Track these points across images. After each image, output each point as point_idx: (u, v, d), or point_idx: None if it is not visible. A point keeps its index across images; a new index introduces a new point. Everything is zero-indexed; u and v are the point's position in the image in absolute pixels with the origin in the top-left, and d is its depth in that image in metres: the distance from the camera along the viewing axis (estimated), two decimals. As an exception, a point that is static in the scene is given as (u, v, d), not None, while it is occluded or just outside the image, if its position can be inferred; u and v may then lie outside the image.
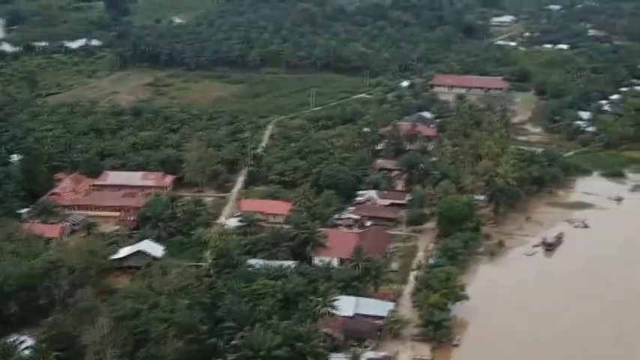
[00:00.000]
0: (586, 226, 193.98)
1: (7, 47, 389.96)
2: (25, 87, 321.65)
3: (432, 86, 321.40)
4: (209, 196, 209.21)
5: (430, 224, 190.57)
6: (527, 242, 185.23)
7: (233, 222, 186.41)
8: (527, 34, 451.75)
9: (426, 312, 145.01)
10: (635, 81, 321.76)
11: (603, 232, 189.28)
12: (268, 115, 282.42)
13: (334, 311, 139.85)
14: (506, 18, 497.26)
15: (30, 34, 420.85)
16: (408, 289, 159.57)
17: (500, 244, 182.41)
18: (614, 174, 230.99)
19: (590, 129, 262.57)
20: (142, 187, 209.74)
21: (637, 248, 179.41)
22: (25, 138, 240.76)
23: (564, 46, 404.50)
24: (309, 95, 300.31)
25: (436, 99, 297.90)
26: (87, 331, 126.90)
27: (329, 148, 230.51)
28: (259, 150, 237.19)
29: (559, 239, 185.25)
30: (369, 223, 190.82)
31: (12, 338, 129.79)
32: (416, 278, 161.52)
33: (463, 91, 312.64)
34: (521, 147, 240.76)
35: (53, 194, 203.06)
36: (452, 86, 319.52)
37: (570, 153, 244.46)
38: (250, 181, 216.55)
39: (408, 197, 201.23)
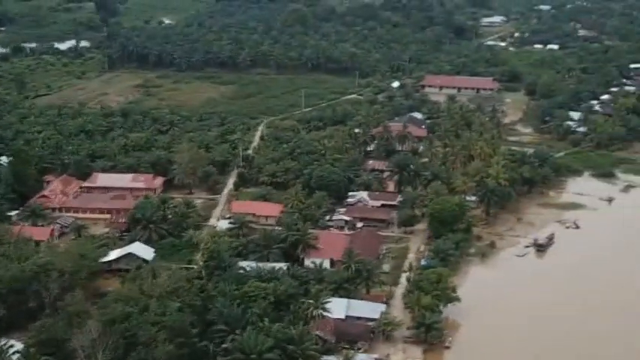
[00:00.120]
0: (577, 227, 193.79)
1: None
2: (13, 88, 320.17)
3: (422, 87, 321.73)
4: (199, 198, 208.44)
5: (421, 225, 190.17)
6: (518, 243, 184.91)
7: (224, 224, 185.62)
8: (517, 34, 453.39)
9: (417, 314, 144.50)
10: (625, 81, 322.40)
11: (594, 232, 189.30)
12: (259, 116, 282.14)
13: (326, 313, 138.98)
14: (497, 18, 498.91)
15: (19, 36, 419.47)
16: (400, 290, 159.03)
17: (492, 245, 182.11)
18: (605, 174, 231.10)
19: (581, 129, 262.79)
20: (132, 189, 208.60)
21: (628, 249, 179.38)
22: (15, 140, 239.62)
23: (554, 47, 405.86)
24: (300, 96, 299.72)
25: (427, 100, 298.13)
26: (76, 335, 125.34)
27: (320, 149, 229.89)
28: (250, 151, 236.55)
29: (550, 240, 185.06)
30: (360, 225, 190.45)
31: (0, 342, 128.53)
32: (407, 280, 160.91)
33: (454, 91, 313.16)
34: (512, 147, 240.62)
35: (42, 196, 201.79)
36: (442, 87, 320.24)
37: (561, 153, 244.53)
38: (241, 183, 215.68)
39: (399, 198, 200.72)
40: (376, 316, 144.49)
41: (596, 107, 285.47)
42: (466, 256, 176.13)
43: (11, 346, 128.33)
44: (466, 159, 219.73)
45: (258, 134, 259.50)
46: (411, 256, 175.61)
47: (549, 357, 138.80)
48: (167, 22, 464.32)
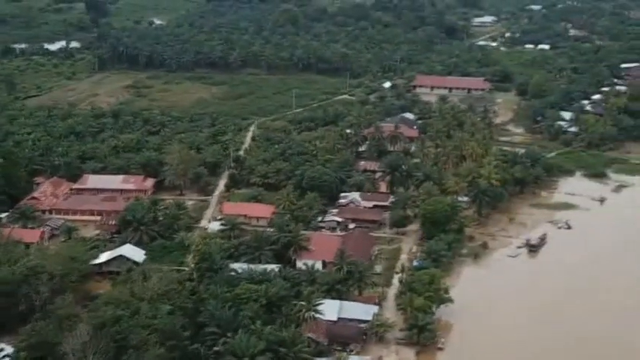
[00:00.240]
0: (569, 227, 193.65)
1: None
2: (3, 89, 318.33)
3: (414, 87, 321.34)
4: (191, 200, 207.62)
5: (414, 226, 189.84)
6: (510, 243, 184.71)
7: (215, 225, 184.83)
8: (508, 34, 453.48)
9: (410, 315, 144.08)
10: (616, 81, 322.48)
11: (586, 232, 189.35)
12: (250, 116, 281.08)
13: (318, 315, 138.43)
14: (487, 18, 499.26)
15: (9, 36, 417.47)
16: (392, 291, 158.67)
17: (484, 245, 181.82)
18: (597, 174, 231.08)
19: (572, 129, 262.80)
20: (123, 191, 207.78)
21: (621, 249, 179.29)
22: (4, 141, 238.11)
23: (545, 47, 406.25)
24: (291, 96, 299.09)
25: (418, 100, 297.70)
26: (67, 339, 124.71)
27: (312, 149, 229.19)
28: (241, 152, 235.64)
29: (542, 240, 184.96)
30: (352, 226, 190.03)
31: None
32: (400, 281, 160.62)
33: (445, 91, 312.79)
34: (504, 148, 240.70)
35: (32, 198, 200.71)
36: (434, 87, 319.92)
37: (553, 153, 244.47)
38: (232, 184, 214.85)
39: (391, 199, 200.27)
40: (369, 317, 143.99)
41: (588, 107, 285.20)
42: (458, 256, 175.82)
43: (1, 349, 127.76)
44: (458, 159, 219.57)
45: (249, 135, 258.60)
46: (404, 257, 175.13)
47: (543, 357, 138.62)
48: (158, 22, 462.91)
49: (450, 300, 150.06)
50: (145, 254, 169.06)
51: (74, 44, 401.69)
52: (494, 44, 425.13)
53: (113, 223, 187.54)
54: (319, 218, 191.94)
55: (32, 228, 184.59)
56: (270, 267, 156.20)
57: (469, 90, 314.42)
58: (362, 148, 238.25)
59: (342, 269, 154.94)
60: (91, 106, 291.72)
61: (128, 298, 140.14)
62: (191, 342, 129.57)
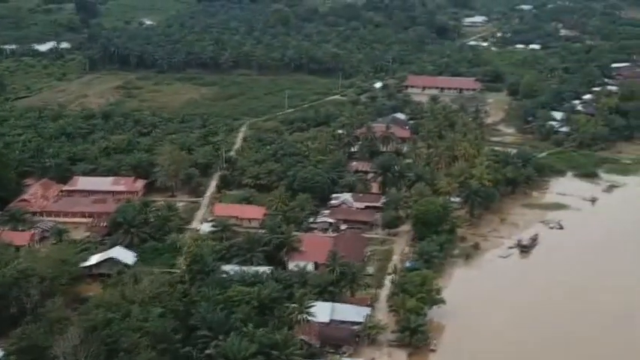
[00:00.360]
0: (561, 227, 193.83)
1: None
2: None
3: (405, 87, 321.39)
4: (182, 201, 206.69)
5: (406, 227, 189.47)
6: (502, 244, 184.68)
7: (207, 227, 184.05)
8: (499, 34, 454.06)
9: (402, 317, 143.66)
10: (607, 80, 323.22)
11: (578, 233, 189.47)
12: (241, 117, 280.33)
13: (310, 318, 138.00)
14: (478, 18, 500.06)
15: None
16: (385, 293, 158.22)
17: (476, 246, 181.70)
18: (588, 174, 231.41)
19: (564, 129, 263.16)
20: (113, 193, 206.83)
21: (612, 249, 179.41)
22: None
23: (536, 46, 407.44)
24: (283, 97, 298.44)
25: (410, 100, 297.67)
26: (57, 342, 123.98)
27: (303, 150, 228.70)
28: (233, 153, 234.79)
29: (534, 241, 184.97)
30: (344, 227, 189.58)
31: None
32: (392, 282, 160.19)
33: (436, 92, 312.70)
34: (495, 148, 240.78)
35: (22, 200, 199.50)
36: (425, 87, 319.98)
37: (544, 154, 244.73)
38: (224, 185, 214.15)
39: (383, 200, 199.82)
40: (361, 319, 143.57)
41: (579, 107, 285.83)
42: (450, 257, 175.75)
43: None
44: (450, 160, 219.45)
45: (240, 136, 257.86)
46: (396, 258, 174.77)
47: (536, 358, 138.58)
48: (148, 22, 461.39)
49: (442, 301, 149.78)
50: (136, 256, 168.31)
51: (64, 45, 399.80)
52: (485, 44, 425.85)
53: (104, 225, 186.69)
54: (311, 219, 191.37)
55: (22, 230, 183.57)
56: (261, 269, 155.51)
57: (460, 90, 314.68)
58: (354, 149, 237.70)
59: (335, 271, 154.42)
60: (81, 107, 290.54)
61: (119, 300, 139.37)
62: (182, 345, 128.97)
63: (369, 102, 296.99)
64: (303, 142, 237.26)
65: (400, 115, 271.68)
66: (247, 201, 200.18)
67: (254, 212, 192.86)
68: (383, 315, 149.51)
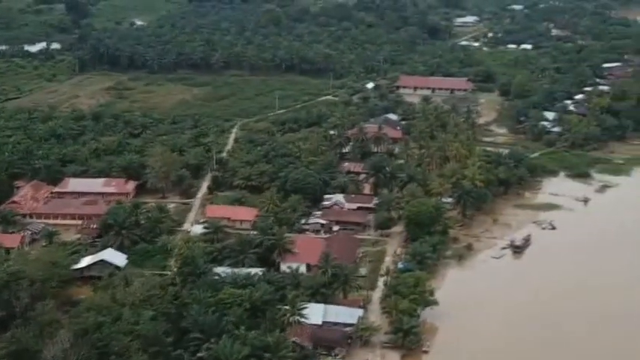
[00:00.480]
0: (553, 228, 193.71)
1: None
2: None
3: (397, 88, 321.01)
4: (173, 203, 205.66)
5: (398, 228, 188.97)
6: (495, 245, 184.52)
7: (198, 229, 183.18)
8: (490, 34, 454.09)
9: (395, 318, 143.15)
10: (599, 80, 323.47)
11: (571, 233, 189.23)
12: (233, 118, 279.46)
13: (303, 320, 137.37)
14: (470, 18, 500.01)
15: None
16: (377, 294, 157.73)
17: (469, 247, 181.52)
18: (581, 174, 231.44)
19: (556, 129, 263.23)
20: (104, 194, 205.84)
21: (605, 249, 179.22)
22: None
23: (528, 46, 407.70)
24: (274, 98, 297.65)
25: (401, 101, 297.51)
26: (48, 346, 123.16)
27: (295, 151, 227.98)
28: (224, 154, 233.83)
29: (527, 241, 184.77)
30: (336, 228, 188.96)
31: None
32: (385, 284, 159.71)
33: (428, 92, 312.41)
34: (487, 148, 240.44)
35: (12, 202, 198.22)
36: (417, 88, 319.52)
37: (536, 154, 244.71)
38: (215, 187, 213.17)
39: (375, 201, 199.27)
40: (354, 321, 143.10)
41: (571, 107, 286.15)
42: (443, 258, 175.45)
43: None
44: (442, 160, 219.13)
45: (232, 137, 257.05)
46: (388, 259, 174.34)
47: (528, 358, 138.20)
48: (139, 23, 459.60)
49: (435, 302, 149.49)
50: (127, 259, 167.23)
51: (55, 46, 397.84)
52: (476, 44, 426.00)
53: (94, 227, 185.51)
54: (303, 221, 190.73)
55: (12, 232, 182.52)
56: (254, 271, 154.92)
57: (452, 90, 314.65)
58: (346, 150, 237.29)
59: (327, 272, 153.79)
60: (71, 109, 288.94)
61: (110, 303, 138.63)
62: (174, 348, 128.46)
63: (360, 102, 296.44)
64: (295, 143, 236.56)
65: (392, 116, 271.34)
66: (239, 202, 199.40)
67: (246, 214, 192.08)
68: (376, 316, 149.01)
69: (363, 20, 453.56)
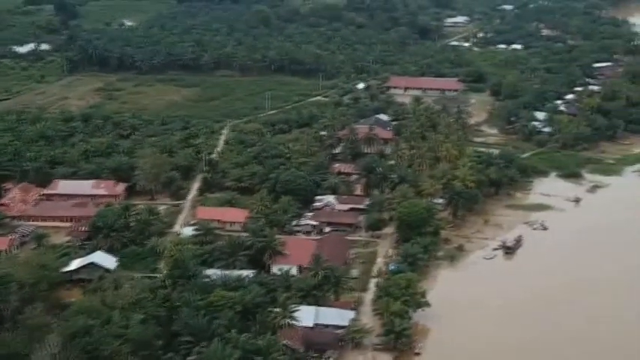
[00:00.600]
0: (545, 228, 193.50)
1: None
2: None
3: (387, 88, 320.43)
4: (163, 204, 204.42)
5: (389, 229, 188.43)
6: (486, 245, 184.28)
7: (188, 231, 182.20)
8: (480, 34, 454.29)
9: (387, 320, 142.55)
10: (589, 80, 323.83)
11: (562, 233, 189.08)
12: (223, 119, 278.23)
13: (294, 322, 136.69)
14: (460, 19, 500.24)
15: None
16: (369, 296, 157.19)
17: (460, 248, 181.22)
18: (571, 175, 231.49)
19: (546, 129, 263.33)
20: (94, 196, 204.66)
21: (596, 249, 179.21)
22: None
23: (518, 47, 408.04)
24: (265, 98, 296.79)
25: (392, 101, 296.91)
26: (37, 350, 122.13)
27: (286, 152, 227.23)
28: (214, 155, 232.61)
29: (518, 242, 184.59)
30: (327, 229, 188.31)
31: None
32: (376, 285, 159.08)
33: (419, 92, 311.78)
34: (478, 149, 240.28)
35: (1, 205, 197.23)
36: (407, 88, 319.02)
37: (527, 154, 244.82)
38: (206, 188, 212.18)
39: (366, 202, 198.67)
40: (345, 323, 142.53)
41: (561, 107, 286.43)
42: (435, 259, 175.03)
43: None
44: (433, 161, 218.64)
45: (222, 138, 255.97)
46: (380, 260, 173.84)
47: (520, 359, 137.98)
48: (128, 24, 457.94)
49: (427, 304, 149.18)
50: (117, 261, 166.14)
51: (44, 47, 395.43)
52: (467, 44, 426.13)
53: (84, 229, 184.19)
54: (294, 222, 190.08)
55: (1, 235, 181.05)
56: (244, 273, 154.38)
57: (443, 91, 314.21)
58: (337, 151, 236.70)
59: (318, 274, 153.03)
60: (60, 110, 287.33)
61: (99, 307, 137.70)
62: (164, 351, 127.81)
63: (351, 103, 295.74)
64: (286, 144, 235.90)
65: (383, 117, 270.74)
66: (229, 204, 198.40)
67: (236, 215, 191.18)
68: (367, 318, 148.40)
69: (353, 21, 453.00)
